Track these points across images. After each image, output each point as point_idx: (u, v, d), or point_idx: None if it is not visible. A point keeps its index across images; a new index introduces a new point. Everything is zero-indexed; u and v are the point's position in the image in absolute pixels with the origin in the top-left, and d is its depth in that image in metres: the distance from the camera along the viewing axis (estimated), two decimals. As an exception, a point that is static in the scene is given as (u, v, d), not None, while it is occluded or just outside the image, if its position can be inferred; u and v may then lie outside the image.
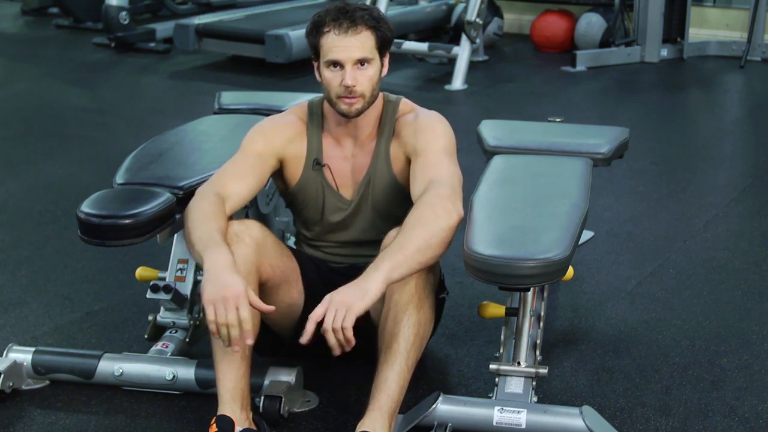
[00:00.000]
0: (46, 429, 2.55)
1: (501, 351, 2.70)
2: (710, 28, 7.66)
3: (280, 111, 2.99)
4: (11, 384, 2.65)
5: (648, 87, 6.78)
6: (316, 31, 2.50)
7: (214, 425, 2.31)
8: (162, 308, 2.86)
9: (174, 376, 2.64)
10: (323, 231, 2.71)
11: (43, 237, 3.87)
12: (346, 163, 2.64)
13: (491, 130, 3.19)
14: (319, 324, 2.24)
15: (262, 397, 2.51)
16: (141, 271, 2.96)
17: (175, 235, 2.84)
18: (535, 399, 2.56)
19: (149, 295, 2.79)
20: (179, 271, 2.85)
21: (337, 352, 2.24)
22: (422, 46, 6.80)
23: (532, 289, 2.58)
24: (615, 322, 3.16)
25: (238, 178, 2.54)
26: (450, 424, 2.44)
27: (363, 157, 2.63)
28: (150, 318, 2.85)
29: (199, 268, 2.87)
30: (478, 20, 6.56)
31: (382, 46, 2.52)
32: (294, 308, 2.64)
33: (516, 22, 8.26)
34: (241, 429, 2.33)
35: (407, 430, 2.43)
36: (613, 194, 4.34)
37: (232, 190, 2.51)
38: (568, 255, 2.26)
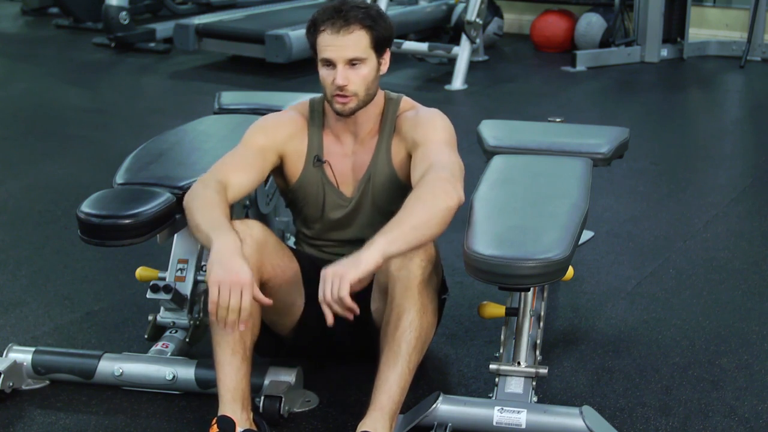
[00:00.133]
0: (46, 429, 2.55)
1: (501, 351, 2.70)
2: (710, 28, 7.66)
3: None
4: (11, 384, 2.65)
5: (648, 87, 6.79)
6: (313, 29, 2.51)
7: (215, 426, 2.31)
8: (162, 308, 2.86)
9: (174, 376, 2.64)
10: (323, 229, 2.71)
11: (43, 237, 3.87)
12: (346, 160, 2.64)
13: (491, 130, 3.19)
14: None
15: (262, 397, 2.51)
16: (141, 271, 2.96)
17: (175, 235, 2.84)
18: (535, 399, 2.56)
19: (149, 295, 2.79)
20: (179, 271, 2.85)
21: (330, 320, 2.23)
22: (422, 46, 6.80)
23: (532, 289, 2.58)
24: (615, 322, 3.16)
25: (239, 169, 2.54)
26: (450, 424, 2.44)
27: (364, 155, 2.63)
28: (150, 318, 2.85)
29: (199, 268, 2.87)
30: (478, 20, 6.56)
31: (379, 45, 2.51)
32: (294, 308, 2.64)
33: (516, 22, 8.26)
34: (242, 429, 2.33)
35: (407, 430, 2.43)
36: (613, 194, 4.34)
37: (233, 179, 2.51)
38: (568, 255, 2.26)
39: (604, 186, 4.33)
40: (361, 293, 2.61)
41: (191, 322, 2.83)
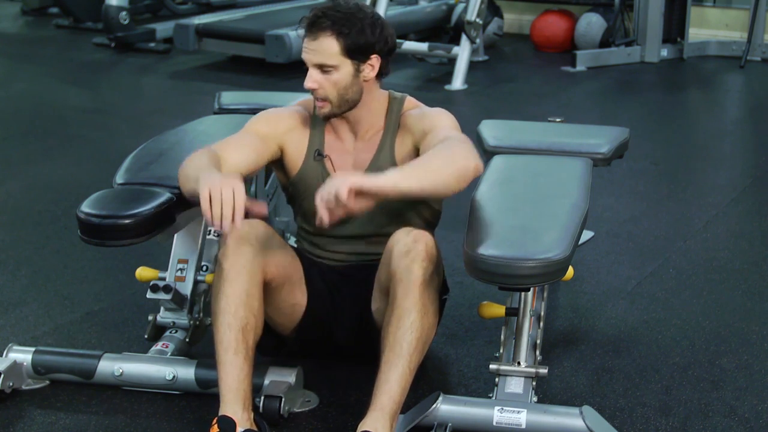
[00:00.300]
0: (46, 429, 2.55)
1: (501, 351, 2.70)
2: (710, 28, 7.66)
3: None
4: (11, 384, 2.65)
5: (648, 87, 6.79)
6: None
7: (216, 425, 2.31)
8: (162, 308, 2.86)
9: (174, 376, 2.64)
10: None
11: (43, 237, 3.87)
12: (347, 156, 2.64)
13: (491, 130, 3.19)
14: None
15: (262, 397, 2.51)
16: (141, 271, 2.95)
17: (175, 235, 2.84)
18: (535, 399, 2.56)
19: (149, 295, 2.79)
20: (179, 271, 2.86)
21: (325, 220, 2.23)
22: (422, 46, 6.81)
23: (532, 289, 2.58)
24: (615, 322, 3.16)
25: (237, 149, 2.55)
26: (450, 424, 2.44)
27: (366, 151, 2.63)
28: (150, 318, 2.85)
29: (199, 269, 2.87)
30: (478, 20, 6.56)
31: (355, 52, 2.48)
32: (296, 308, 2.64)
33: (516, 22, 8.26)
34: (242, 429, 2.33)
35: (407, 430, 2.43)
36: (613, 194, 4.34)
37: (228, 156, 2.51)
38: (568, 255, 2.26)
39: (604, 186, 4.33)
40: (362, 293, 2.63)
41: (191, 322, 2.83)
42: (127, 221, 2.46)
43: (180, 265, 2.86)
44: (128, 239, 2.48)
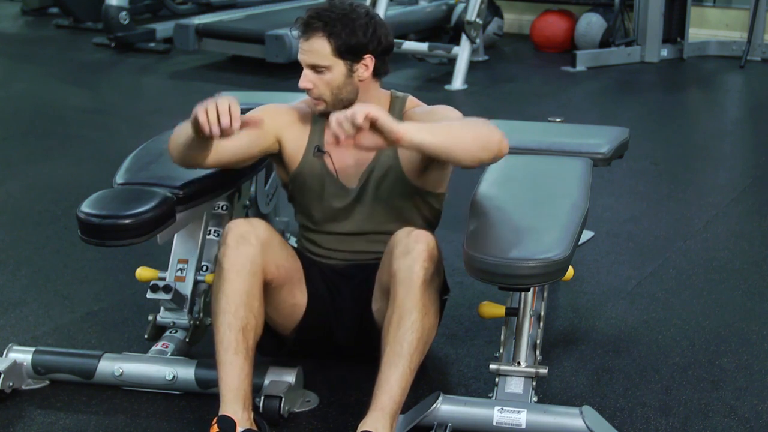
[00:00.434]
0: (46, 429, 2.54)
1: (501, 351, 2.70)
2: (710, 28, 7.66)
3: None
4: (11, 384, 2.65)
5: (648, 87, 6.79)
6: None
7: (216, 425, 2.31)
8: (162, 308, 2.86)
9: (174, 376, 2.64)
10: (324, 219, 2.70)
11: (43, 237, 3.87)
12: (348, 153, 2.64)
13: (491, 130, 3.18)
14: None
15: (262, 397, 2.51)
16: (141, 271, 2.95)
17: (175, 235, 2.84)
18: (535, 399, 2.56)
19: (149, 295, 2.79)
20: (179, 271, 2.86)
21: (341, 136, 2.23)
22: (422, 46, 6.80)
23: (532, 289, 2.58)
24: (615, 322, 3.16)
25: None
26: (450, 424, 2.44)
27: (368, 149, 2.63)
28: (150, 318, 2.85)
29: (199, 269, 2.87)
30: (478, 20, 6.56)
31: (347, 52, 2.50)
32: (296, 309, 2.64)
33: (516, 22, 8.26)
34: (242, 429, 2.33)
35: (407, 430, 2.43)
36: (613, 194, 4.34)
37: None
38: (568, 255, 2.26)
39: (604, 186, 4.33)
40: (362, 293, 2.63)
41: (191, 322, 2.83)
42: (127, 221, 2.46)
43: (180, 265, 2.86)
44: (128, 239, 2.48)
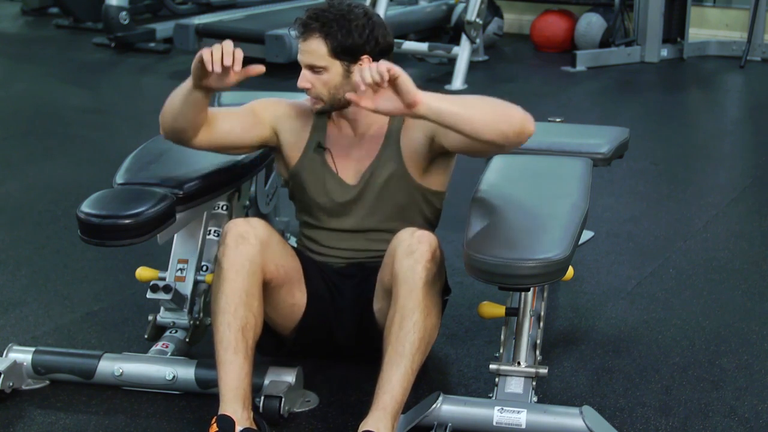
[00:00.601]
0: (46, 429, 2.54)
1: (501, 351, 2.70)
2: (710, 28, 7.66)
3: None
4: (11, 384, 2.65)
5: (648, 87, 6.79)
6: None
7: (215, 425, 2.31)
8: (162, 308, 2.86)
9: (174, 376, 2.64)
10: (324, 215, 2.70)
11: (43, 237, 3.87)
12: (349, 150, 2.65)
13: (491, 130, 3.18)
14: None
15: (262, 397, 2.51)
16: (141, 271, 2.95)
17: (175, 235, 2.84)
18: (535, 399, 2.56)
19: (149, 295, 2.79)
20: (179, 271, 2.85)
21: (362, 87, 2.24)
22: (422, 46, 6.81)
23: (532, 289, 2.58)
24: (615, 322, 3.16)
25: (227, 114, 2.64)
26: (450, 424, 2.44)
27: (370, 147, 2.64)
28: (150, 318, 2.85)
29: (199, 269, 2.87)
30: (478, 20, 6.56)
31: (343, 52, 2.51)
32: (296, 308, 2.64)
33: (516, 22, 8.26)
34: (241, 429, 2.32)
35: (407, 430, 2.43)
36: (613, 194, 4.34)
37: (216, 116, 2.59)
38: (568, 255, 2.26)
39: (604, 186, 4.33)
40: (362, 293, 2.63)
41: (191, 322, 2.83)
42: (127, 221, 2.46)
43: (180, 265, 2.86)
44: (128, 239, 2.48)
